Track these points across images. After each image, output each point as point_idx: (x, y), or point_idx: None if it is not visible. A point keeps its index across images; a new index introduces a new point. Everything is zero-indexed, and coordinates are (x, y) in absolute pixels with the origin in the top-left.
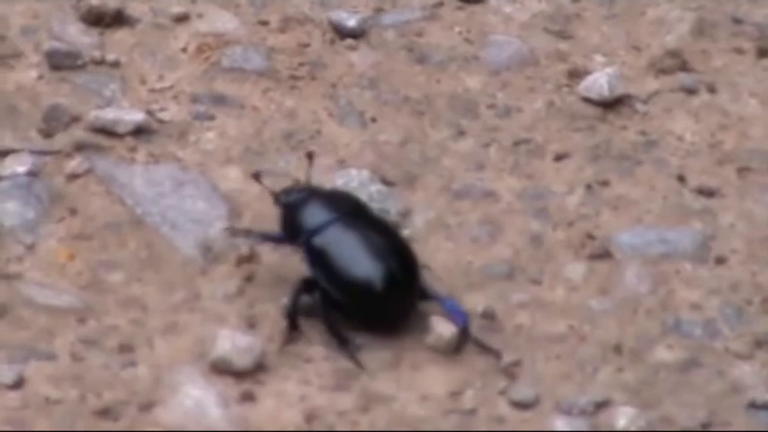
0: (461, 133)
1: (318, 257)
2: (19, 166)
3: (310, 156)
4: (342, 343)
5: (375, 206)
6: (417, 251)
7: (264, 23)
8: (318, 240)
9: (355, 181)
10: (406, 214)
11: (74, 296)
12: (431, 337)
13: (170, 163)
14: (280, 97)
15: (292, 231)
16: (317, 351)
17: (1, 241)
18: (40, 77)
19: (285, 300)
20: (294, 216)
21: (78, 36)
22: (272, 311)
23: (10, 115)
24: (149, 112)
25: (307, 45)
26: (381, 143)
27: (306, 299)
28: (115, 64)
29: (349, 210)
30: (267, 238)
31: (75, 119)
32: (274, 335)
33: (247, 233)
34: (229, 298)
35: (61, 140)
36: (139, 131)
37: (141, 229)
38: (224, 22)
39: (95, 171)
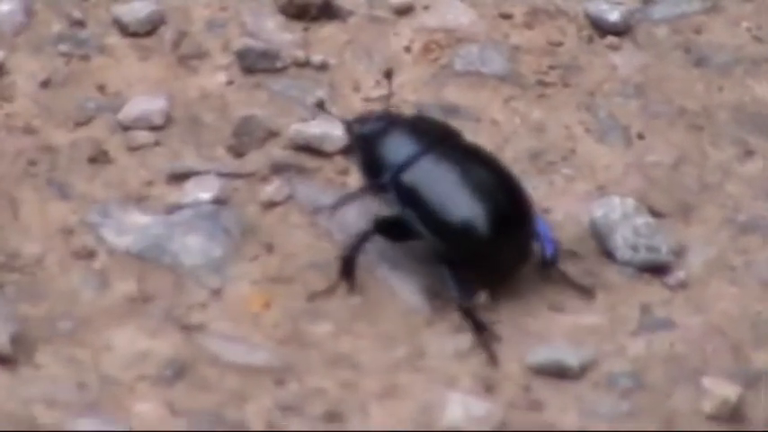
0: (749, 153)
1: (410, 196)
2: (203, 191)
3: (389, 74)
4: (479, 330)
5: (642, 241)
6: (694, 297)
7: (507, 17)
8: (409, 176)
9: (617, 211)
10: (680, 252)
11: (270, 352)
12: (708, 403)
13: None
14: (525, 108)
15: (373, 169)
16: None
17: (180, 284)
18: (230, 83)
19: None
20: (375, 149)
21: (277, 32)
22: (515, 371)
23: (193, 129)
24: None
25: (559, 44)
26: (650, 165)
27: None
28: (322, 66)
29: (439, 138)
30: (350, 197)
31: (273, 134)
32: (516, 400)
33: (331, 208)
34: (461, 355)
35: (255, 160)
36: (352, 150)
37: (357, 270)
38: (457, 14)
39: (297, 198)
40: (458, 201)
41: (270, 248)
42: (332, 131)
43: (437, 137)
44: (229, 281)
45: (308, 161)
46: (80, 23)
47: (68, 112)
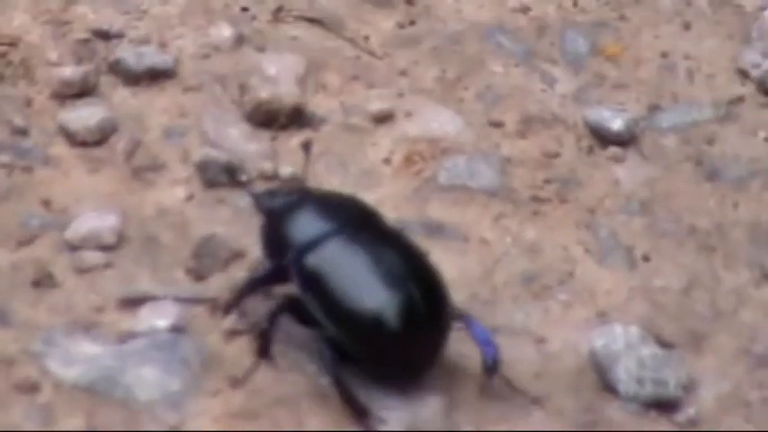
0: (766, 277)
1: (312, 281)
2: (159, 318)
3: (307, 146)
4: (360, 415)
5: (648, 375)
6: None
7: (498, 125)
8: (313, 258)
9: (620, 341)
10: (690, 387)
11: None
12: None
13: None
14: (518, 226)
15: (278, 246)
16: None
17: (134, 421)
18: (190, 198)
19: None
20: (281, 226)
21: (242, 142)
22: None
23: (149, 249)
24: None
25: (555, 155)
26: (657, 290)
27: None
28: (292, 180)
29: (353, 218)
30: (252, 283)
31: (238, 255)
32: None
33: (234, 291)
34: None
35: (217, 284)
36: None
37: (327, 404)
38: (442, 122)
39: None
40: (364, 289)
41: (234, 382)
42: None
43: (350, 217)
44: (189, 417)
45: (277, 286)
46: (23, 131)
47: (10, 230)
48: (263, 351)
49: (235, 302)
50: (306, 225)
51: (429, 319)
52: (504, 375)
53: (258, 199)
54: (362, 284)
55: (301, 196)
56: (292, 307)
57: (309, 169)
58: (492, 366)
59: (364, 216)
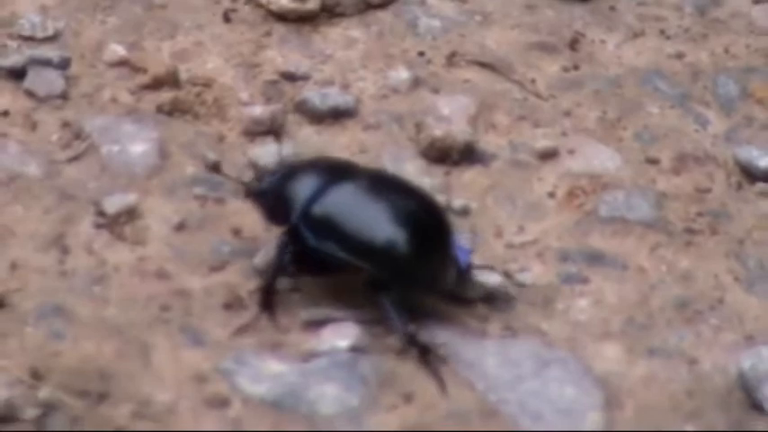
0: None
1: (324, 228)
2: (340, 339)
3: (278, 135)
4: (423, 352)
5: None
6: None
7: (654, 162)
8: (319, 208)
9: (767, 362)
10: None
11: None
12: None
13: (531, 337)
14: (672, 256)
15: (281, 214)
16: None
17: None
18: None
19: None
20: (278, 196)
21: (417, 176)
22: None
23: (330, 278)
24: (506, 274)
25: (707, 190)
26: None
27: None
28: (464, 212)
29: (338, 169)
30: (279, 262)
31: None
32: None
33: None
34: None
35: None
36: (493, 297)
37: (494, 420)
38: (602, 159)
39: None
40: (374, 220)
41: (408, 398)
42: (474, 278)
43: (338, 169)
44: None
45: (448, 307)
46: (215, 166)
47: (203, 257)
48: (267, 305)
49: (268, 293)
50: (302, 185)
51: (435, 237)
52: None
53: (248, 186)
54: (371, 217)
55: (286, 168)
56: (297, 259)
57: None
58: (465, 269)
59: (346, 166)
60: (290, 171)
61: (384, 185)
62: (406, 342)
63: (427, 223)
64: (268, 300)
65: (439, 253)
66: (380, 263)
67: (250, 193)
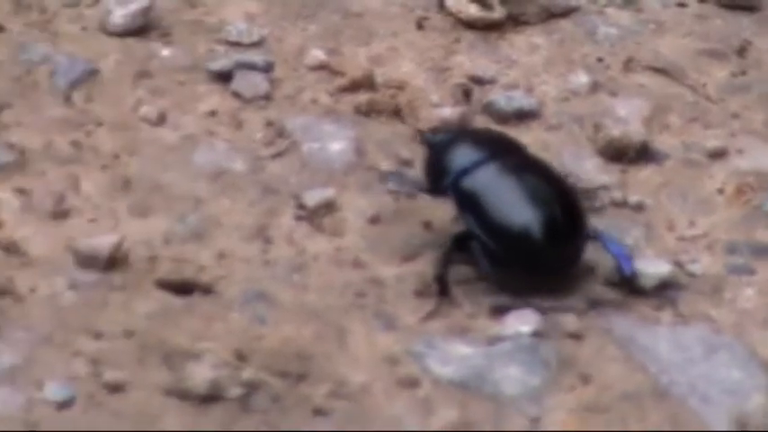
0: None
1: (468, 200)
2: (523, 325)
3: (467, 93)
4: (441, 291)
5: None
6: None
7: None
8: (468, 181)
9: None
10: None
11: None
12: None
13: (701, 324)
14: None
15: (437, 173)
16: None
17: (501, 412)
18: None
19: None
20: (441, 156)
21: (595, 173)
22: None
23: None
24: (678, 264)
25: None
26: None
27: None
28: (639, 207)
29: (503, 149)
30: (446, 257)
31: (589, 271)
32: None
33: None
34: None
35: (573, 296)
36: (665, 286)
37: (665, 401)
38: None
39: (612, 332)
40: (512, 207)
41: (586, 379)
42: (648, 269)
43: (500, 148)
44: (547, 410)
45: (623, 297)
46: (407, 163)
47: (395, 248)
48: (444, 292)
49: (441, 272)
50: (462, 155)
51: (567, 232)
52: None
53: (424, 135)
54: (510, 202)
55: (458, 132)
56: (458, 247)
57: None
58: (629, 276)
59: (510, 147)
60: (458, 136)
61: (533, 173)
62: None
63: (561, 219)
64: (443, 287)
65: (568, 243)
66: (510, 249)
67: (423, 141)
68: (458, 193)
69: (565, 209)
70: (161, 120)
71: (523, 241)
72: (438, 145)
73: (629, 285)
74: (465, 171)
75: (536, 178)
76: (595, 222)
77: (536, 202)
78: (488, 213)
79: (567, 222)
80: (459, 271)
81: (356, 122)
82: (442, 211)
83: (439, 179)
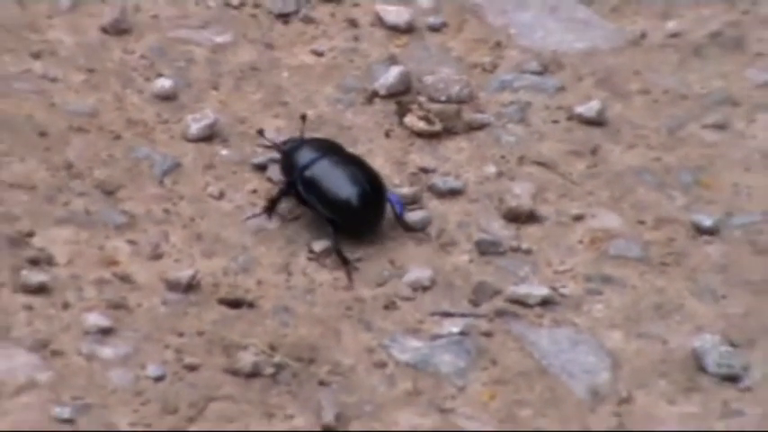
0: None
1: (311, 186)
2: (454, 327)
3: (304, 117)
4: (344, 263)
5: (723, 361)
6: (753, 397)
7: (642, 222)
8: (309, 173)
9: (709, 342)
10: (746, 368)
11: (494, 427)
12: None
13: (568, 327)
14: (653, 278)
15: (288, 170)
16: None
17: (439, 384)
18: (471, 261)
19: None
20: (290, 158)
21: (500, 230)
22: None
23: (447, 289)
24: (553, 288)
25: (673, 239)
26: (729, 315)
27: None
28: (528, 251)
29: (330, 150)
30: (279, 194)
31: (497, 292)
32: None
33: (269, 200)
34: None
35: (486, 308)
36: (545, 303)
37: (546, 377)
38: (611, 220)
39: (511, 332)
40: (339, 186)
41: (494, 363)
42: (533, 291)
43: (328, 149)
44: (469, 382)
45: (519, 310)
46: None
47: (371, 278)
48: (270, 209)
49: (271, 206)
50: (303, 155)
51: (375, 198)
52: (405, 221)
53: (278, 146)
54: (338, 184)
55: (299, 141)
56: (287, 192)
57: (302, 130)
58: (400, 216)
59: (335, 148)
60: (299, 143)
61: (350, 163)
62: (335, 254)
63: (369, 187)
64: (271, 207)
65: (376, 206)
66: (340, 214)
67: (277, 149)
68: (303, 181)
69: (372, 185)
70: (221, 195)
71: (347, 207)
72: (287, 151)
73: (401, 223)
74: (306, 166)
75: (353, 167)
76: (498, 263)
77: (354, 182)
78: (324, 192)
79: (374, 193)
80: (412, 289)
81: None
82: (404, 253)
83: (290, 173)
